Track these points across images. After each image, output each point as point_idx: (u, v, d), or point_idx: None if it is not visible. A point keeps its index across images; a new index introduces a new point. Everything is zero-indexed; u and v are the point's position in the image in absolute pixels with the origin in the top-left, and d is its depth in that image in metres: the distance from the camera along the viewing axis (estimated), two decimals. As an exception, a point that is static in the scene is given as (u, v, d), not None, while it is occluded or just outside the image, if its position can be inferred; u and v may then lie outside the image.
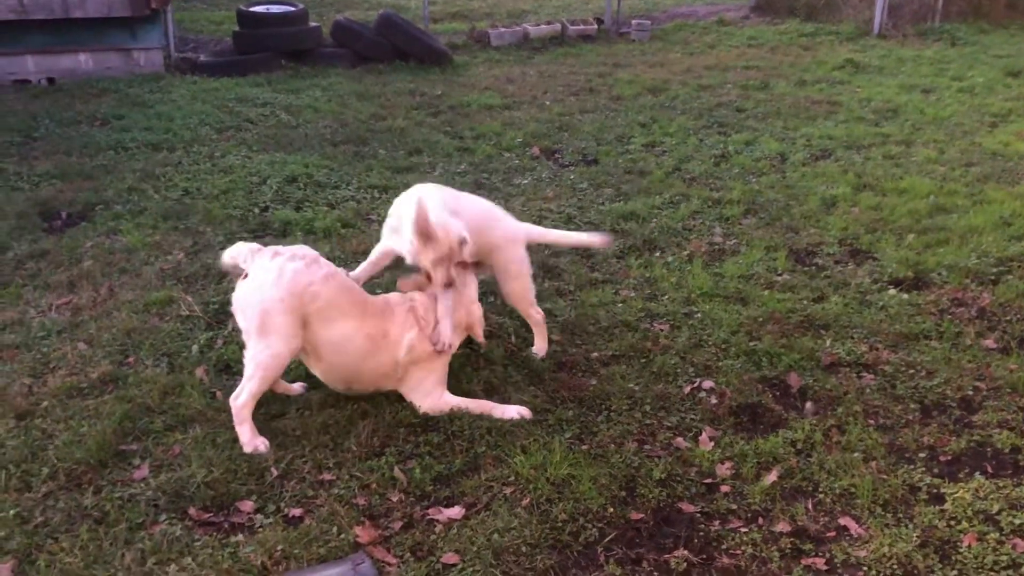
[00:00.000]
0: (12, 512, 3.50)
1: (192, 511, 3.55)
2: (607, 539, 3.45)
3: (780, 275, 5.74)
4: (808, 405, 4.31)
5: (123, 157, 7.96)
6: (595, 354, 4.80)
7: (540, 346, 4.81)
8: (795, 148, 8.48)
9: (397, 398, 4.26)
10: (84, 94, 10.07)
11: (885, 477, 3.78)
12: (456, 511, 3.58)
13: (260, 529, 3.46)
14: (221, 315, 5.10)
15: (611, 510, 3.60)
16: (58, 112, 9.24)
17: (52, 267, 5.77)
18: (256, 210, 6.76)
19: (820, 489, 3.73)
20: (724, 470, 3.85)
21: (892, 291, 5.49)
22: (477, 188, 7.40)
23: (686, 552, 3.39)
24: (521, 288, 4.72)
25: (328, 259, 5.66)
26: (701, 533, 3.51)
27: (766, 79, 11.54)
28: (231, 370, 4.55)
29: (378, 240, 6.13)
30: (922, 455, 3.96)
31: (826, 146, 8.55)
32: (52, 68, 10.68)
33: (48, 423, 4.09)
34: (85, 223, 6.52)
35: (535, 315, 4.78)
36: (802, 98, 10.52)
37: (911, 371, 4.60)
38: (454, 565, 3.29)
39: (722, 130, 9.21)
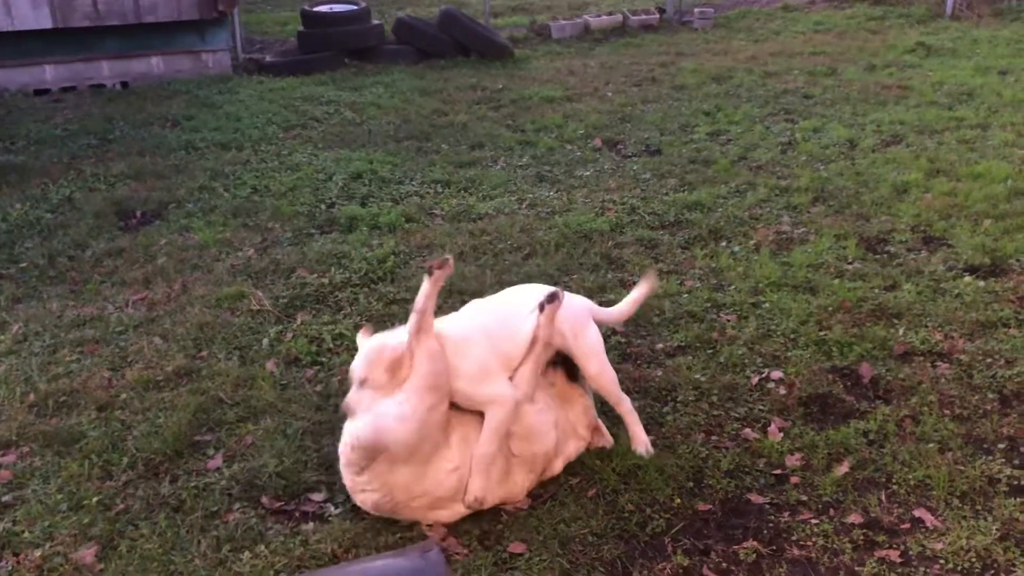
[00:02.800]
0: (95, 499, 3.63)
1: (264, 500, 3.64)
2: (674, 529, 3.43)
3: (850, 263, 5.61)
4: None
5: (194, 157, 8.16)
6: (660, 345, 4.76)
7: (639, 438, 3.90)
8: (865, 134, 8.28)
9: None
10: (156, 96, 10.34)
11: (962, 468, 3.67)
12: (522, 501, 3.59)
13: (330, 518, 3.53)
14: (290, 309, 5.20)
15: (678, 501, 3.58)
16: (131, 114, 9.51)
17: (128, 264, 5.95)
18: (323, 206, 6.86)
19: (894, 480, 3.64)
20: (794, 461, 3.79)
21: (968, 278, 5.32)
22: (539, 181, 7.41)
23: (755, 543, 3.35)
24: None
25: (392, 254, 5.81)
26: (771, 524, 3.46)
27: (834, 65, 11.27)
28: (300, 363, 4.64)
29: (441, 234, 6.20)
30: (1001, 446, 3.83)
31: (897, 131, 8.32)
32: (125, 72, 10.99)
33: (127, 414, 4.23)
34: (159, 221, 6.70)
35: (626, 403, 3.93)
36: (871, 83, 10.25)
37: (989, 360, 4.46)
38: (520, 554, 3.31)
39: (789, 117, 9.04)
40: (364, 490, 3.44)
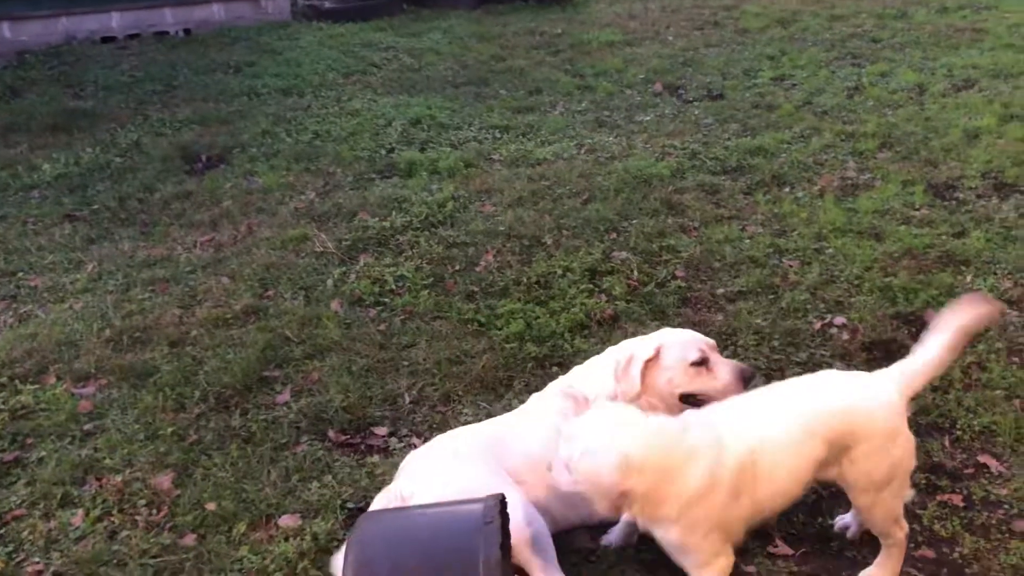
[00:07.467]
0: (170, 430, 3.77)
1: (331, 433, 3.75)
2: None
3: (918, 210, 5.49)
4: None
5: (256, 102, 8.26)
6: (721, 290, 4.74)
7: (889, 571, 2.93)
8: (935, 79, 8.02)
9: (517, 335, 4.34)
10: (217, 43, 10.45)
11: (1030, 415, 3.62)
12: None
13: (394, 451, 3.62)
14: (353, 251, 5.28)
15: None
16: (195, 61, 9.63)
17: (195, 207, 6.09)
18: (382, 151, 6.91)
19: (958, 426, 3.61)
20: (855, 406, 3.77)
21: (1041, 226, 5.18)
22: (598, 126, 7.35)
23: (815, 485, 3.35)
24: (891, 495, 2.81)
25: (451, 199, 5.84)
26: (831, 467, 3.45)
27: (904, 7, 10.90)
28: (363, 303, 4.73)
29: (500, 179, 6.20)
30: (1071, 394, 3.77)
31: (969, 76, 8.04)
32: (188, 19, 11.11)
33: (198, 350, 4.36)
34: (223, 165, 6.83)
35: (898, 533, 2.88)
36: (943, 26, 9.90)
37: (1061, 308, 4.36)
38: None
39: (856, 61, 8.79)
40: None
